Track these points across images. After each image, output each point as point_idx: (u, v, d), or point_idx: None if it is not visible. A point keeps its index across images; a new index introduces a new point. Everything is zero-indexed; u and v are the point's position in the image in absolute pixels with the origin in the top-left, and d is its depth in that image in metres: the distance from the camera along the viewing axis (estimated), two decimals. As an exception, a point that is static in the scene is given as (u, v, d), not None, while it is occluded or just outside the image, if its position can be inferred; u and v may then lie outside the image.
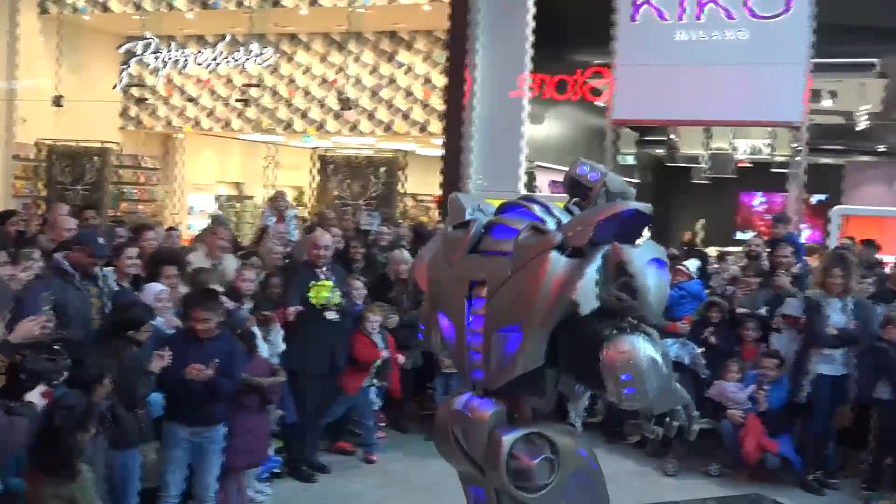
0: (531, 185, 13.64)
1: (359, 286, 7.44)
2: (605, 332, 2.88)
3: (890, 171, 16.11)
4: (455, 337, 3.19)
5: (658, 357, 2.87)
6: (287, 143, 20.42)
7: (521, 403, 3.14)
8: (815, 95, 12.54)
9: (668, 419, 3.12)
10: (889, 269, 8.65)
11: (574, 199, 3.28)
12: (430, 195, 18.66)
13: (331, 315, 6.74)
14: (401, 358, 7.71)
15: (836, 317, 6.92)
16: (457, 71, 12.32)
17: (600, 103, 12.78)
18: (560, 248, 2.94)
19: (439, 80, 15.34)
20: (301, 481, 6.72)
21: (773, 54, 10.65)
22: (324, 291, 6.64)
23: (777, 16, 10.70)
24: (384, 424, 8.12)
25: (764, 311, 7.49)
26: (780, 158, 14.79)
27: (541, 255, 2.93)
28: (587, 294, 2.85)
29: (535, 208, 3.16)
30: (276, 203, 10.42)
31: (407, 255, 8.23)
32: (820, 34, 10.60)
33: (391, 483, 6.91)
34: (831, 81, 13.89)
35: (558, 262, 2.91)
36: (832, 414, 7.05)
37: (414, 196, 18.82)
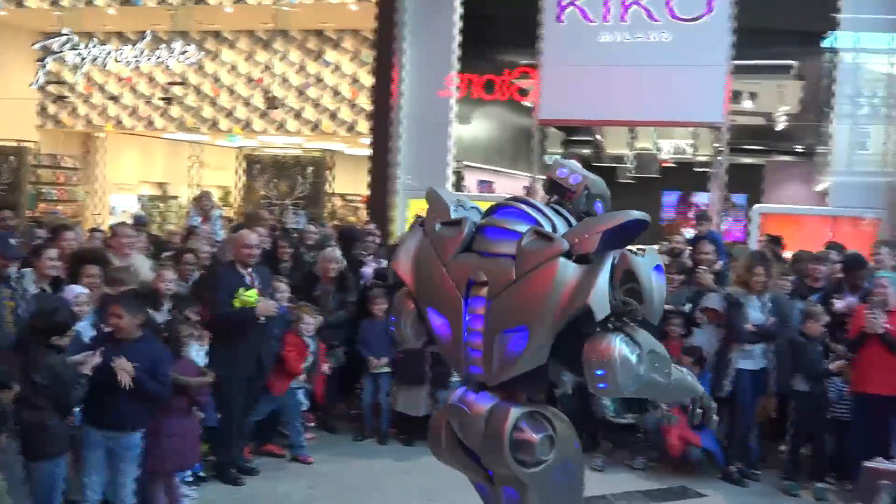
0: (459, 185, 13.68)
1: (283, 288, 7.35)
2: (588, 330, 3.09)
3: (808, 171, 16.55)
4: (450, 334, 3.30)
5: (633, 356, 3.07)
6: (212, 143, 20.13)
7: (517, 393, 3.29)
8: (735, 97, 12.82)
9: (691, 408, 3.51)
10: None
11: (555, 199, 3.42)
12: (358, 195, 18.57)
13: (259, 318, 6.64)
14: (326, 367, 7.69)
15: (755, 313, 7.10)
16: (384, 70, 12.28)
17: (527, 103, 12.88)
18: (566, 254, 3.10)
19: (367, 79, 15.27)
20: (227, 484, 6.62)
21: (694, 56, 10.87)
22: (249, 297, 6.52)
23: (698, 18, 10.92)
24: (313, 425, 8.06)
25: (687, 307, 7.64)
26: (702, 158, 15.09)
27: (549, 261, 3.07)
28: (601, 300, 3.04)
29: (529, 210, 3.29)
30: (202, 203, 10.24)
31: (337, 253, 8.18)
32: (740, 37, 10.85)
33: (320, 484, 6.85)
34: (751, 83, 14.24)
35: (567, 268, 3.07)
36: (753, 407, 7.24)
37: (342, 196, 18.73)
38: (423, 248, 3.42)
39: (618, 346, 3.06)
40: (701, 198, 15.09)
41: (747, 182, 17.09)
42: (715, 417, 3.54)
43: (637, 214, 3.17)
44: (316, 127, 16.66)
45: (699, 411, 3.54)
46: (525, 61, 12.42)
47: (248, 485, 6.69)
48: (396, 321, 3.51)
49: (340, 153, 18.76)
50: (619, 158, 16.51)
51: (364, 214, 14.53)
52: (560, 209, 3.38)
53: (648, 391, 3.28)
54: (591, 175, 3.45)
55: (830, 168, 11.47)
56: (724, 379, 7.05)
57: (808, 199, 15.65)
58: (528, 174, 13.10)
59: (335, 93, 16.50)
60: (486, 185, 15.82)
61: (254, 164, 14.46)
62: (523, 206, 3.32)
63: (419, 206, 11.86)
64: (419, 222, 3.47)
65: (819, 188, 13.73)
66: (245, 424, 7.00)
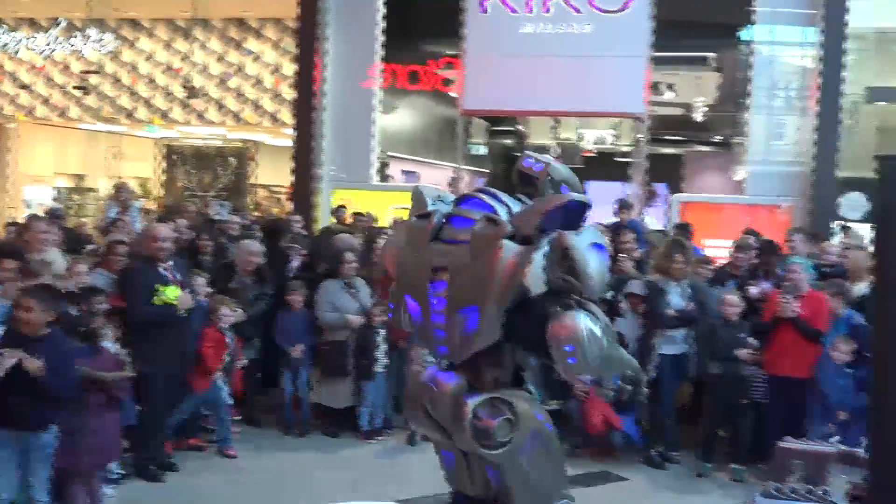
0: (384, 175, 13.64)
1: (201, 281, 7.22)
2: (551, 310, 3.31)
3: (725, 160, 16.92)
4: (421, 317, 3.56)
5: (597, 330, 3.30)
6: (131, 133, 19.64)
7: (482, 374, 3.52)
8: (655, 88, 13.05)
9: (622, 383, 3.64)
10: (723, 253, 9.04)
11: (524, 190, 3.65)
12: (282, 186, 18.36)
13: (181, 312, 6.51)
14: (241, 362, 7.58)
15: (676, 299, 7.25)
16: (307, 60, 12.16)
17: (452, 94, 12.90)
18: (512, 236, 3.33)
19: (290, 69, 15.09)
20: (148, 481, 6.49)
21: (615, 48, 11.03)
22: (170, 294, 6.39)
23: (619, 10, 11.07)
24: (236, 419, 7.96)
25: (609, 294, 7.74)
26: (623, 148, 15.32)
27: (495, 244, 3.32)
28: (536, 277, 3.26)
29: (490, 200, 3.52)
30: (120, 195, 10.00)
31: (257, 246, 8.07)
32: (659, 29, 11.04)
33: (244, 477, 6.77)
34: (670, 75, 14.50)
35: (510, 249, 3.30)
36: (674, 392, 7.38)
37: (265, 187, 18.49)
38: (404, 241, 3.69)
39: (582, 321, 3.28)
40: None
41: (668, 172, 17.40)
42: (644, 390, 3.70)
43: (575, 196, 3.40)
44: (238, 117, 16.40)
45: (629, 386, 3.67)
46: (449, 52, 12.43)
47: (169, 481, 6.56)
48: (394, 307, 3.72)
49: (263, 144, 18.49)
50: (543, 149, 16.64)
51: (288, 205, 14.39)
52: (524, 199, 3.61)
53: (607, 364, 3.46)
54: (553, 162, 3.64)
55: (747, 158, 11.75)
56: (648, 364, 7.16)
57: (726, 188, 16.02)
58: (453, 164, 13.13)
59: (257, 83, 16.26)
60: (411, 176, 15.79)
61: (174, 155, 14.19)
62: (484, 197, 3.55)
63: (343, 197, 11.85)
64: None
65: (736, 177, 14.06)
66: (167, 421, 6.87)
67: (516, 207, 3.53)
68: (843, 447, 4.40)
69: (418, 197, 3.73)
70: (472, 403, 3.45)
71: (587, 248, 3.30)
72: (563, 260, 3.28)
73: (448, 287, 3.44)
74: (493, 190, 3.64)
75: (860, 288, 7.15)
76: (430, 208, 3.65)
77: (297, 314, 7.78)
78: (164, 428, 6.81)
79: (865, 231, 9.70)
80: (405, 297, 3.64)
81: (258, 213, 14.09)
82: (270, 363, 8.07)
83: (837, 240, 9.94)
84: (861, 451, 3.97)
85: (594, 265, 3.30)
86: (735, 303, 7.08)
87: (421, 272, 3.53)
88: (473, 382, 3.52)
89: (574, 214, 3.36)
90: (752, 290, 7.46)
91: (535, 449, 3.56)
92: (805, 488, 3.72)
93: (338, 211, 10.80)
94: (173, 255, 6.72)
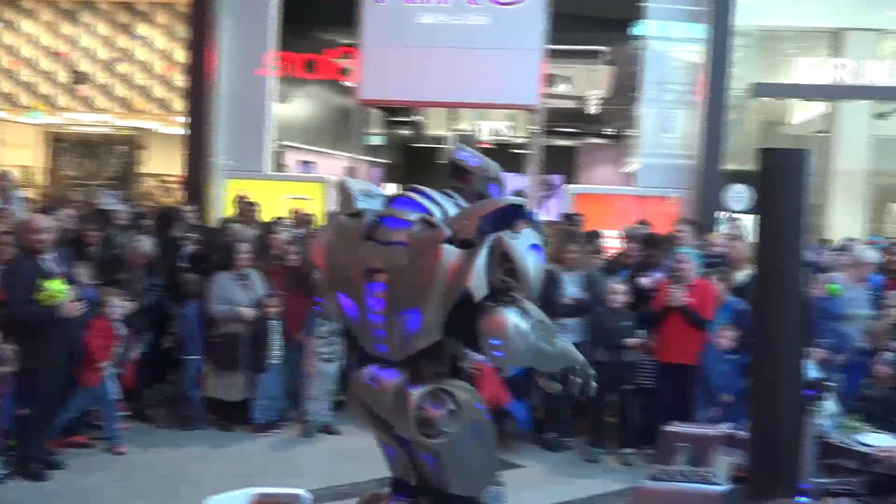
0: (279, 165, 13.45)
1: (85, 272, 6.98)
2: (485, 304, 3.41)
3: (618, 152, 17.30)
4: (357, 315, 3.60)
5: (525, 326, 3.43)
6: (12, 120, 18.81)
7: (422, 368, 3.60)
8: (550, 80, 13.23)
9: (570, 378, 3.79)
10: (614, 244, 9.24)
11: (453, 185, 3.78)
12: (173, 175, 17.88)
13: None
14: (135, 354, 7.39)
15: (570, 288, 7.38)
16: (200, 47, 11.89)
17: (348, 83, 12.80)
18: (450, 240, 3.42)
19: (182, 55, 14.70)
20: (31, 480, 6.24)
21: (511, 40, 11.14)
22: (55, 288, 6.14)
23: (515, 3, 11.17)
24: (126, 414, 7.74)
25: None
26: (519, 140, 15.49)
27: (434, 248, 3.40)
28: (479, 282, 3.37)
29: (422, 199, 3.59)
30: (1, 184, 9.57)
31: (147, 244, 7.85)
32: (554, 22, 11.19)
33: (133, 474, 6.60)
34: (565, 67, 14.73)
35: (450, 253, 3.39)
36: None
37: (156, 176, 17.98)
38: (333, 238, 3.69)
39: (511, 317, 3.41)
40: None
41: (562, 163, 17.68)
42: (593, 384, 3.80)
43: (512, 200, 3.58)
44: (127, 104, 15.89)
45: (579, 380, 3.79)
46: (346, 41, 12.33)
47: (54, 479, 6.33)
48: (324, 302, 3.79)
49: (154, 132, 17.96)
50: (439, 139, 16.72)
51: (179, 195, 14.04)
52: (452, 194, 3.71)
53: (538, 359, 3.63)
54: (488, 159, 3.79)
55: (638, 150, 12.03)
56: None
57: (619, 179, 16.39)
58: (350, 154, 13.04)
59: (147, 69, 15.78)
60: (307, 166, 15.61)
61: (59, 143, 13.66)
62: (416, 196, 3.61)
63: (238, 187, 11.65)
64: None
65: (628, 169, 14.39)
66: (55, 419, 6.62)
67: (449, 206, 3.61)
68: (726, 430, 4.55)
69: (345, 191, 3.72)
70: (416, 395, 3.53)
71: (526, 250, 3.44)
72: (502, 262, 3.40)
73: (387, 289, 3.49)
74: (424, 189, 3.69)
75: (741, 275, 7.42)
76: (359, 205, 3.67)
77: (189, 306, 7.63)
78: (50, 426, 6.57)
79: (749, 221, 10.07)
80: (338, 294, 3.67)
81: (149, 203, 13.71)
82: (159, 357, 7.89)
83: (722, 230, 10.28)
84: (742, 433, 4.11)
85: (532, 267, 3.45)
86: (620, 291, 7.23)
87: (355, 271, 3.56)
88: (413, 377, 3.59)
89: (509, 216, 3.48)
90: (644, 280, 7.65)
91: (473, 438, 3.68)
92: (690, 470, 3.83)
93: (241, 202, 10.53)
94: (56, 246, 6.46)
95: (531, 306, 3.52)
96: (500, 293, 3.43)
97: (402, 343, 3.54)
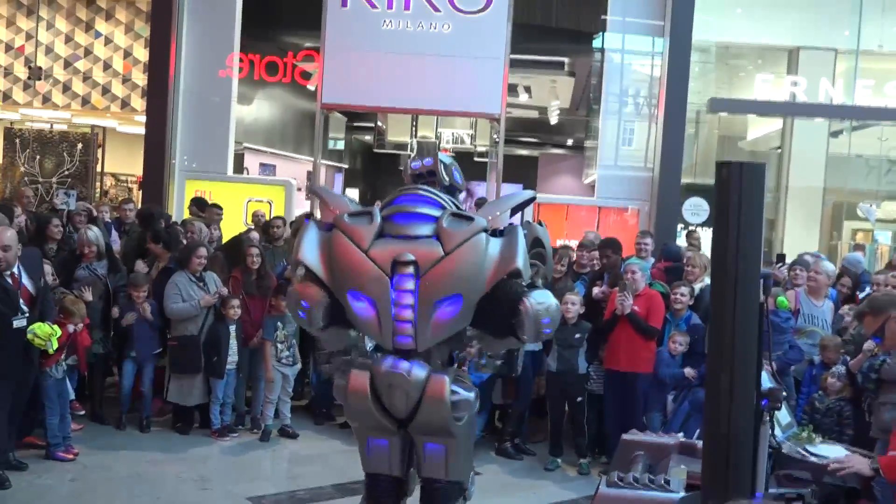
0: (240, 167, 13.37)
1: (48, 270, 6.88)
2: (519, 290, 3.75)
3: (578, 163, 17.45)
4: (374, 313, 3.75)
5: (556, 302, 3.91)
6: (-33, 115, 18.51)
7: (433, 358, 3.90)
8: (512, 90, 13.31)
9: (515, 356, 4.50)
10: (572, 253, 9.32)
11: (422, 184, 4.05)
12: (132, 175, 17.69)
13: (18, 323, 6.06)
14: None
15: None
16: (161, 46, 11.78)
17: (311, 87, 12.76)
18: (484, 229, 3.76)
19: (142, 54, 14.57)
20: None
21: (474, 48, 11.18)
22: (41, 334, 6.08)
23: (478, 12, 11.23)
24: (80, 414, 7.64)
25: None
26: (480, 148, 15.56)
27: (473, 238, 3.70)
28: (526, 264, 3.75)
29: (429, 194, 3.89)
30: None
31: (94, 232, 7.76)
32: (517, 32, 11.28)
33: (86, 476, 6.50)
34: (527, 77, 14.84)
35: (489, 241, 3.74)
36: (531, 385, 7.56)
37: (114, 175, 17.77)
38: (332, 240, 3.80)
39: (552, 298, 3.85)
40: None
41: (523, 173, 17.80)
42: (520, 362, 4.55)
43: (529, 193, 4.11)
44: (85, 101, 15.70)
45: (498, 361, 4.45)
46: (309, 44, 12.30)
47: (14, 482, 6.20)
48: (309, 308, 3.83)
49: (112, 130, 17.77)
50: (402, 146, 16.72)
51: (138, 196, 13.90)
52: (442, 194, 4.01)
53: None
54: (439, 154, 4.12)
55: (598, 161, 12.15)
56: (517, 359, 7.22)
57: (578, 189, 16.53)
58: (311, 158, 13.00)
59: (107, 66, 15.61)
60: (267, 169, 15.55)
61: (15, 139, 13.44)
62: (423, 192, 3.89)
63: (197, 188, 11.54)
64: (305, 216, 3.96)
65: (588, 180, 14.52)
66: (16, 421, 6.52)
67: (447, 199, 3.97)
68: (682, 438, 4.63)
69: (331, 195, 4.02)
70: (449, 379, 3.81)
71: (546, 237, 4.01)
72: (534, 247, 3.85)
73: (421, 281, 3.68)
74: (423, 186, 3.99)
75: (697, 286, 7.55)
76: (353, 207, 3.92)
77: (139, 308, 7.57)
78: (13, 429, 6.46)
79: (706, 234, 10.23)
80: (348, 294, 3.77)
81: (107, 202, 13.54)
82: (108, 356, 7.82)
83: (681, 242, 10.43)
84: (698, 443, 4.19)
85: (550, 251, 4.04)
86: (574, 302, 7.28)
87: (373, 269, 3.69)
88: (437, 370, 3.90)
89: (522, 207, 3.97)
90: (596, 291, 7.70)
91: (471, 426, 4.08)
92: (647, 477, 3.89)
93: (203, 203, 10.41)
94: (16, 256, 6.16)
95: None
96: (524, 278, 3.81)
97: (433, 332, 3.75)
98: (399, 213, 3.81)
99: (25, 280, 6.20)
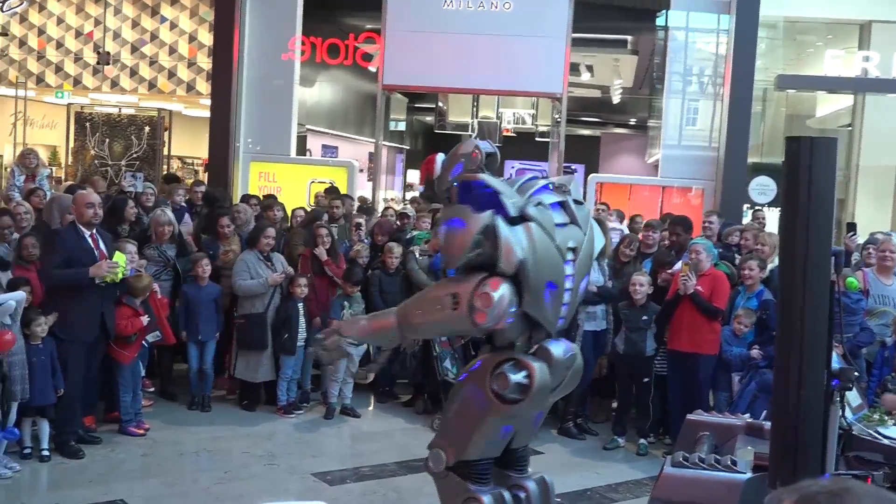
0: (303, 149, 13.50)
1: (132, 249, 7.06)
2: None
3: (640, 142, 17.26)
4: (552, 301, 3.88)
5: None
6: (39, 99, 18.97)
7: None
8: (574, 69, 13.18)
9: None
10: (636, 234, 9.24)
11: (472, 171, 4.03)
12: (197, 158, 18.00)
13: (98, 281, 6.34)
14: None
15: (596, 276, 7.36)
16: (225, 30, 11.92)
17: (372, 68, 12.82)
18: None
19: (206, 38, 14.78)
20: (70, 458, 6.29)
21: (535, 27, 11.09)
22: (121, 262, 6.33)
23: (540, -10, 11.12)
24: (151, 391, 7.84)
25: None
26: (542, 128, 15.47)
27: (592, 223, 4.13)
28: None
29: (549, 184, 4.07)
30: (26, 160, 9.68)
31: (168, 214, 7.93)
32: (578, 10, 11.15)
33: (156, 450, 6.68)
34: (589, 56, 14.68)
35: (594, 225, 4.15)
36: (592, 366, 7.53)
37: (180, 158, 18.10)
38: (529, 234, 3.77)
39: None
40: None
41: (585, 153, 17.66)
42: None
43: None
44: (152, 86, 15.99)
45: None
46: (370, 26, 12.33)
47: (86, 456, 6.39)
48: (515, 312, 3.79)
49: (178, 114, 18.08)
50: (463, 126, 16.71)
51: (204, 178, 14.12)
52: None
53: None
54: (461, 149, 4.11)
55: (661, 141, 11.99)
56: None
57: (641, 169, 16.34)
58: (373, 140, 13.07)
59: (172, 51, 15.87)
60: (330, 150, 15.68)
61: (85, 123, 13.76)
62: (542, 181, 4.05)
63: (261, 169, 11.68)
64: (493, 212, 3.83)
65: (651, 160, 14.34)
66: (89, 395, 6.71)
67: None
68: (749, 419, 4.56)
69: (501, 184, 3.87)
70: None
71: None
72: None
73: (576, 264, 3.95)
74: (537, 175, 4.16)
75: (769, 266, 7.41)
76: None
77: (204, 288, 7.71)
78: (84, 402, 6.66)
79: (773, 214, 10.04)
80: (546, 285, 3.84)
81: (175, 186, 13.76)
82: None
83: (746, 222, 10.25)
84: (766, 424, 4.12)
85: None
86: (642, 283, 7.22)
87: (556, 256, 3.86)
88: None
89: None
90: (664, 275, 7.61)
91: None
92: (713, 458, 3.84)
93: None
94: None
95: None
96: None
97: (571, 309, 4.04)
98: (549, 202, 3.94)
99: (102, 246, 6.49)
